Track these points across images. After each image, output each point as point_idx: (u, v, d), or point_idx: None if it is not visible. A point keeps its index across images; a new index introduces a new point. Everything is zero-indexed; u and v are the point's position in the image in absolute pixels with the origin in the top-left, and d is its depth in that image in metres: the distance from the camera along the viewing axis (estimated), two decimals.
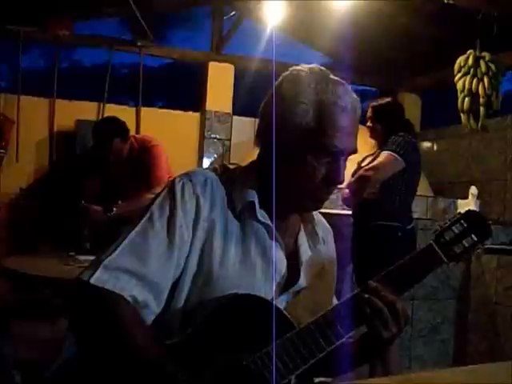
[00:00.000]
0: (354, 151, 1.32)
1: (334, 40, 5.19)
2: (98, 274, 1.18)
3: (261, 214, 1.32)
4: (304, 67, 1.33)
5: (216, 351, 1.19)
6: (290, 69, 1.35)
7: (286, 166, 1.29)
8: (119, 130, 3.76)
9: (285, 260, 1.36)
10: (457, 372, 1.73)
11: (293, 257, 1.39)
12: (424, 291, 4.39)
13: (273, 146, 1.29)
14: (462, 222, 1.31)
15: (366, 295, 1.24)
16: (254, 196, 1.32)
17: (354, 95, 1.32)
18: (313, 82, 1.29)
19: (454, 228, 1.31)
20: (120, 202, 3.57)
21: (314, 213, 1.48)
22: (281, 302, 1.31)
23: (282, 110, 1.28)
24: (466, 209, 1.36)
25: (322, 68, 1.34)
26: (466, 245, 1.31)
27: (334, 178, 1.30)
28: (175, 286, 1.26)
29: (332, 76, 1.32)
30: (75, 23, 5.11)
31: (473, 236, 1.31)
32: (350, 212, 3.73)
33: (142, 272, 1.20)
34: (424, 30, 4.99)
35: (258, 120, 1.38)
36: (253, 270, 1.30)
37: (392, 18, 4.94)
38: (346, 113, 1.28)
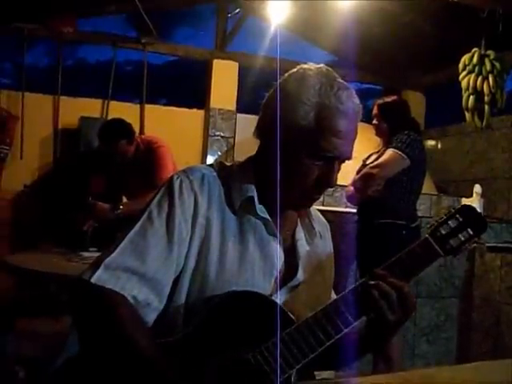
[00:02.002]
0: (349, 158, 1.33)
1: (339, 38, 5.20)
2: (98, 273, 1.19)
3: (260, 209, 1.33)
4: (312, 67, 1.33)
5: (217, 347, 1.20)
6: (298, 67, 1.34)
7: (281, 162, 1.29)
8: (125, 132, 3.78)
9: (283, 254, 1.37)
10: (459, 369, 1.73)
11: (290, 251, 1.39)
12: (427, 289, 4.38)
13: (270, 140, 1.29)
14: (458, 216, 1.33)
15: (374, 281, 1.25)
16: (252, 191, 1.33)
17: (357, 101, 1.32)
18: (318, 84, 1.28)
19: (449, 222, 1.32)
20: (125, 200, 3.58)
21: (311, 207, 1.49)
22: (280, 297, 1.32)
23: (284, 108, 1.28)
24: (462, 203, 1.38)
25: (330, 69, 1.33)
26: (462, 239, 1.32)
27: (325, 182, 1.31)
28: (176, 282, 1.27)
29: (338, 79, 1.31)
30: (79, 20, 5.12)
31: (468, 230, 1.32)
32: (354, 210, 3.73)
33: (142, 270, 1.22)
34: (429, 28, 4.99)
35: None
36: (251, 265, 1.31)
37: (397, 16, 4.93)
38: (347, 119, 1.28)
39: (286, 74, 1.35)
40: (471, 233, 1.32)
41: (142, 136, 4.14)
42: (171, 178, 1.33)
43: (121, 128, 3.81)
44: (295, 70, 1.34)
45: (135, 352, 1.14)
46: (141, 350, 1.14)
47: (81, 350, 1.21)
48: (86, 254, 3.17)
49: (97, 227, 3.55)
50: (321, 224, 1.53)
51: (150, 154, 3.80)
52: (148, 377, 1.12)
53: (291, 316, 1.26)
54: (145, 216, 1.28)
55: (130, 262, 1.21)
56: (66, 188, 4.66)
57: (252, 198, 1.32)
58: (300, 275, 1.37)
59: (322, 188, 1.33)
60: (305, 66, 1.34)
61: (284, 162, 1.28)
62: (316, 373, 1.33)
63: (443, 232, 1.31)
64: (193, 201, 1.29)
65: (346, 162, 1.35)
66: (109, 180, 4.07)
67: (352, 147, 1.32)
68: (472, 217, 1.34)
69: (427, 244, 1.31)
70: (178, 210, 1.27)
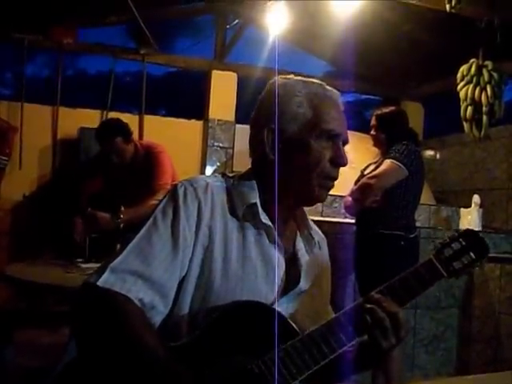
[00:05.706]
0: (347, 140, 1.41)
1: (337, 48, 5.21)
2: (104, 276, 1.21)
3: (263, 215, 1.35)
4: (283, 76, 1.43)
5: (220, 356, 1.20)
6: (272, 80, 1.43)
7: (290, 157, 1.34)
8: (121, 130, 3.75)
9: (284, 263, 1.38)
10: (459, 381, 1.73)
11: (292, 260, 1.41)
12: (427, 300, 4.37)
13: (274, 142, 1.35)
14: (461, 240, 1.37)
15: (369, 305, 1.26)
16: (255, 197, 1.35)
17: (336, 91, 1.43)
18: (300, 81, 1.40)
19: (453, 245, 1.36)
20: (123, 208, 3.53)
21: (308, 220, 1.51)
22: (282, 306, 1.33)
23: (279, 105, 1.35)
24: (465, 228, 1.41)
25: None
26: (465, 262, 1.36)
27: (339, 160, 1.37)
28: (180, 286, 1.28)
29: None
30: (79, 31, 5.14)
31: (471, 254, 1.36)
32: (352, 220, 3.72)
33: (148, 273, 1.23)
34: (427, 39, 5.01)
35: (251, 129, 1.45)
36: (254, 273, 1.32)
37: (395, 27, 4.95)
38: (336, 103, 1.40)
39: (267, 85, 1.43)
40: (473, 257, 1.36)
41: (142, 141, 4.11)
42: (175, 186, 1.35)
43: (117, 125, 3.81)
44: (272, 80, 1.43)
45: (144, 352, 1.14)
46: (151, 351, 1.15)
47: (82, 354, 1.21)
48: (84, 266, 3.16)
49: (95, 238, 3.52)
50: (318, 235, 1.55)
51: (149, 159, 3.78)
52: (157, 377, 1.12)
53: (295, 327, 1.27)
54: (150, 222, 1.30)
55: (136, 266, 1.23)
56: (64, 198, 4.64)
57: (255, 204, 1.34)
58: (303, 284, 1.39)
59: (337, 167, 1.38)
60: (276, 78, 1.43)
61: (294, 154, 1.34)
62: None
63: (447, 254, 1.35)
64: (196, 207, 1.31)
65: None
66: (105, 182, 4.02)
67: (346, 130, 1.40)
68: (474, 241, 1.38)
69: (431, 265, 1.34)
70: (183, 216, 1.29)
